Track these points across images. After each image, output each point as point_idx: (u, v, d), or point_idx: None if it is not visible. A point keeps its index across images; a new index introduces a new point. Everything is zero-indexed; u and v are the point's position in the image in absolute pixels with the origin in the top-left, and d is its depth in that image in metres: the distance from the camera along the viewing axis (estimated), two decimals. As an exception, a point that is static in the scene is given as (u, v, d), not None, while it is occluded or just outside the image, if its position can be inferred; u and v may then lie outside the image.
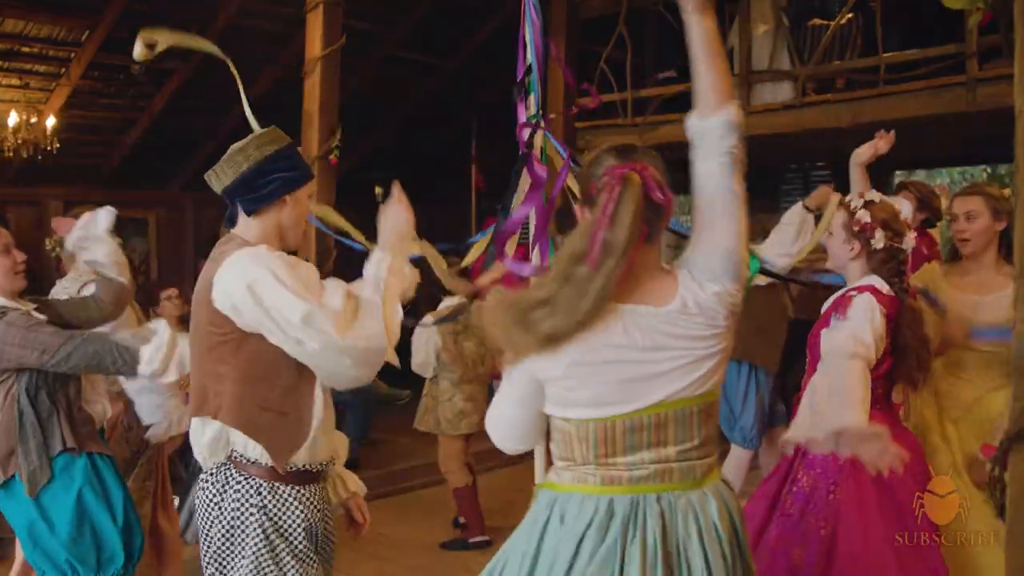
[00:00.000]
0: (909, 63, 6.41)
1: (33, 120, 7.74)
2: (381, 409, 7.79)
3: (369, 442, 7.78)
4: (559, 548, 2.11)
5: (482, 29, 9.57)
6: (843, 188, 9.33)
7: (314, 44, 6.35)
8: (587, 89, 5.13)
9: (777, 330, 5.69)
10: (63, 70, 7.85)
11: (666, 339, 2.06)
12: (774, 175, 9.45)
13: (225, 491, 2.58)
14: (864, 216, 3.26)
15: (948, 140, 7.50)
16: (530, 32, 3.21)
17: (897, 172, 10.75)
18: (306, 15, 6.42)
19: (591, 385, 2.09)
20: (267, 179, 2.61)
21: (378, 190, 10.57)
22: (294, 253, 2.74)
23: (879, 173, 9.21)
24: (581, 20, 8.14)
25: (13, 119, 7.48)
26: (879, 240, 3.22)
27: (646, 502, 2.09)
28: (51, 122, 7.68)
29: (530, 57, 3.19)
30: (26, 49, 7.54)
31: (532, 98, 3.42)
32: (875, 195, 3.37)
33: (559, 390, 2.13)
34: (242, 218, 2.67)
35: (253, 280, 2.43)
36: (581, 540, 2.08)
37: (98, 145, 8.84)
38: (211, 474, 2.62)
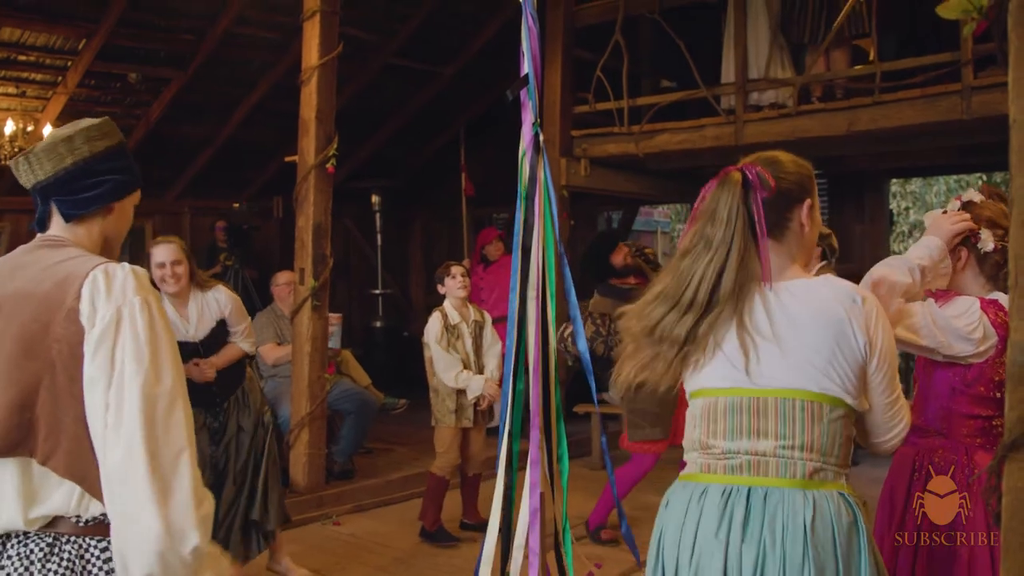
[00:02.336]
0: (905, 71, 6.42)
1: (30, 128, 7.75)
2: (378, 418, 7.78)
3: (366, 451, 7.77)
4: (664, 536, 2.22)
5: (478, 37, 9.60)
6: (840, 195, 9.38)
7: (311, 53, 6.35)
8: (583, 98, 5.11)
9: None
10: (60, 78, 7.86)
11: (786, 328, 2.12)
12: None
13: (60, 566, 1.99)
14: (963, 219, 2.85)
15: (944, 148, 7.51)
16: (527, 40, 3.20)
17: (893, 180, 10.78)
18: (303, 24, 6.42)
19: (707, 359, 2.18)
20: (95, 179, 2.18)
21: (375, 199, 10.63)
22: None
23: (875, 181, 9.27)
24: (577, 28, 8.17)
25: (9, 127, 7.49)
26: (987, 241, 2.80)
27: (738, 493, 2.10)
28: (48, 130, 7.69)
29: (527, 66, 3.18)
30: (23, 57, 7.56)
31: (530, 106, 3.40)
32: (975, 195, 2.92)
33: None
34: (57, 222, 2.21)
35: (125, 308, 2.00)
36: (683, 524, 2.16)
37: (95, 154, 8.83)
38: (25, 543, 2.02)
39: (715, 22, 7.83)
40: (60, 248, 2.15)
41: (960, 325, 2.65)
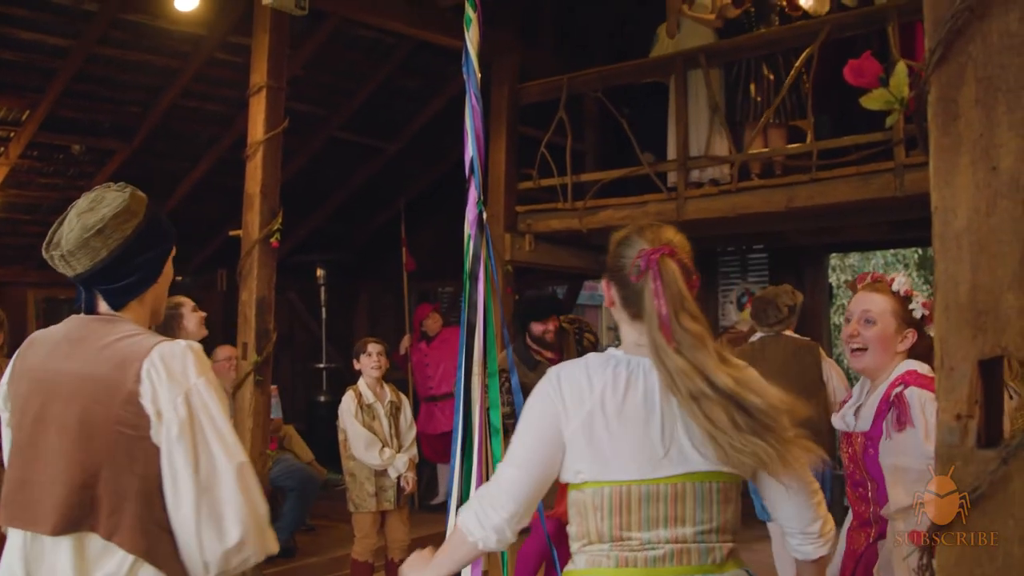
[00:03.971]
0: (840, 150, 6.58)
1: (-31, 200, 7.66)
2: (321, 494, 7.67)
3: (308, 528, 7.65)
4: None
5: (423, 113, 9.71)
6: (780, 269, 9.52)
7: (257, 127, 6.36)
8: (527, 174, 5.16)
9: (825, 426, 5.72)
10: (2, 149, 7.79)
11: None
12: (712, 257, 9.60)
13: None
14: (918, 304, 2.91)
15: (880, 223, 7.69)
16: (470, 119, 3.24)
17: (832, 254, 10.99)
18: (249, 99, 6.44)
19: (612, 443, 2.05)
20: (133, 264, 2.19)
21: (320, 273, 10.60)
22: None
23: (814, 255, 9.44)
24: (522, 105, 8.29)
25: (-51, 198, 7.41)
26: (917, 309, 2.90)
27: None
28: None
29: (470, 145, 3.22)
30: (-35, 128, 7.50)
31: (474, 184, 3.43)
32: (903, 280, 2.97)
33: (580, 446, 2.08)
34: (104, 304, 2.24)
35: (195, 397, 2.07)
36: None
37: (35, 224, 8.74)
38: None
39: (659, 97, 7.99)
40: (113, 324, 2.19)
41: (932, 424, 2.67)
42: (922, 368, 2.81)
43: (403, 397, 6.15)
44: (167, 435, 2.02)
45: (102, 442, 2.04)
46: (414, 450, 5.97)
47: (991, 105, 1.57)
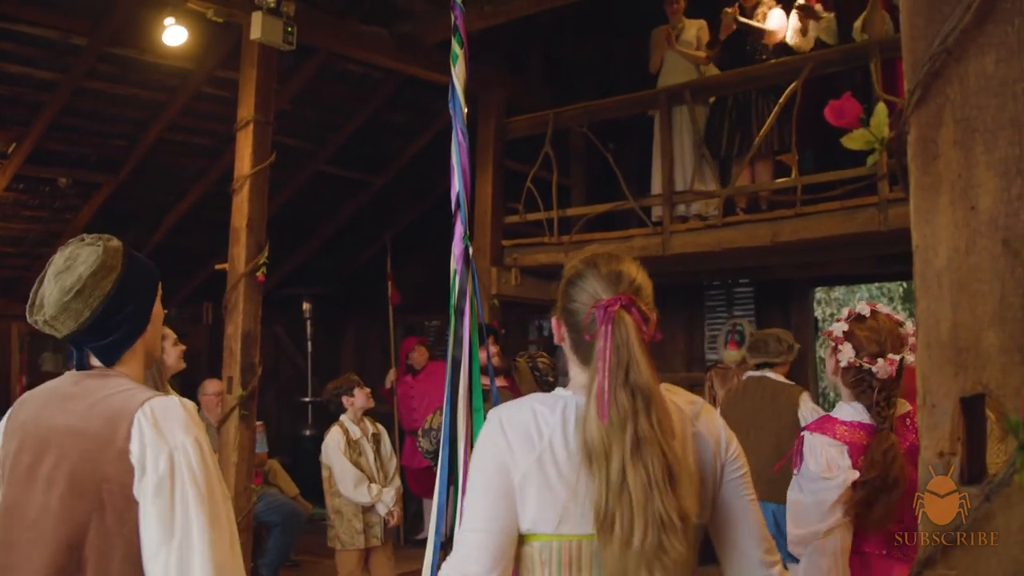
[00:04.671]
0: (824, 185, 6.63)
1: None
2: (306, 529, 7.63)
3: (292, 564, 7.59)
4: None
5: (410, 147, 9.76)
6: (766, 303, 9.56)
7: (244, 161, 6.37)
8: (513, 208, 5.17)
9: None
10: (-13, 182, 7.79)
11: None
12: (698, 291, 9.63)
13: None
14: (838, 328, 2.96)
15: (865, 257, 7.73)
16: (457, 154, 3.26)
17: (817, 288, 11.03)
18: (236, 133, 6.46)
19: (563, 493, 1.85)
20: (119, 317, 2.13)
21: (306, 306, 10.59)
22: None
23: (799, 289, 9.48)
24: (508, 140, 8.34)
25: (-67, 231, 7.39)
26: (844, 356, 2.90)
27: None
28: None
29: (456, 180, 3.23)
30: (-51, 161, 7.50)
31: (460, 219, 3.43)
32: (883, 308, 2.99)
33: (528, 494, 1.87)
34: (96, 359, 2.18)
35: (179, 454, 1.98)
36: None
37: (21, 257, 8.72)
38: None
39: (644, 132, 8.04)
40: (106, 378, 2.12)
41: (821, 487, 2.82)
42: (842, 413, 2.94)
43: (380, 427, 6.16)
44: (143, 491, 1.95)
45: (91, 500, 1.97)
46: (398, 481, 5.96)
47: (969, 146, 1.59)
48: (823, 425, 2.93)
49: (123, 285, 2.13)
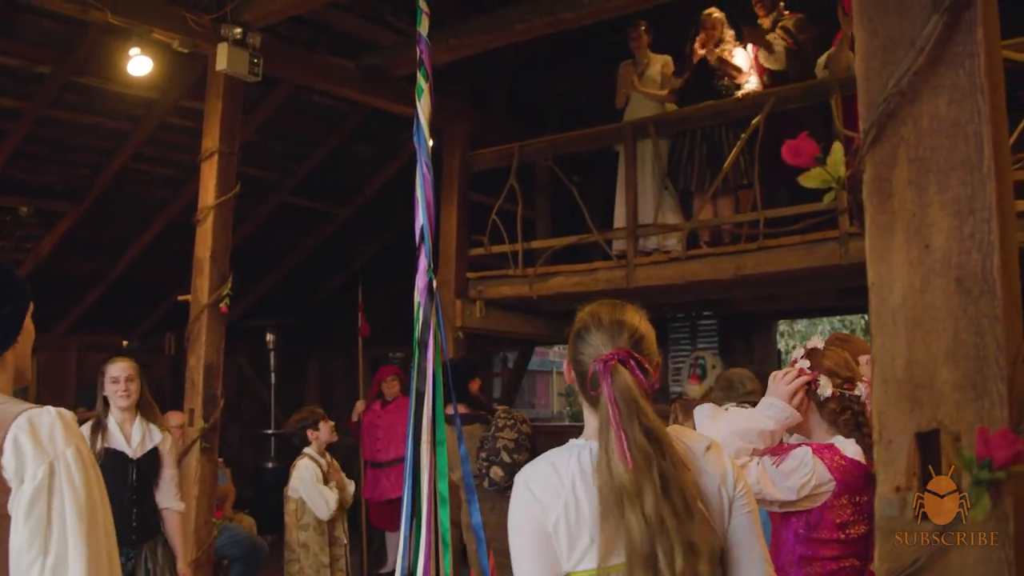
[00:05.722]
0: (786, 219, 6.70)
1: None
2: (268, 563, 7.53)
3: (253, 597, 7.49)
4: None
5: (375, 179, 9.76)
6: (729, 335, 9.62)
7: (208, 192, 6.35)
8: (478, 240, 5.20)
9: None
10: (-53, 212, 7.71)
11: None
12: (662, 324, 9.68)
13: None
14: (804, 365, 2.94)
15: (826, 290, 7.81)
16: (421, 188, 3.27)
17: (780, 321, 11.12)
18: (201, 163, 6.44)
19: (592, 528, 1.97)
20: None
21: (270, 337, 10.51)
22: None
23: (762, 322, 9.55)
24: (473, 172, 8.37)
25: None
26: (825, 388, 2.87)
27: None
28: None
29: (421, 213, 3.24)
30: (-92, 190, 7.41)
31: (424, 252, 3.43)
32: (818, 342, 3.03)
33: (560, 536, 2.00)
34: None
35: (59, 463, 1.88)
36: None
37: (-21, 287, 8.62)
38: None
39: (609, 169, 8.09)
40: None
41: (793, 482, 2.73)
42: (846, 448, 2.85)
43: (331, 459, 6.23)
44: (17, 505, 1.83)
45: None
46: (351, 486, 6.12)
47: (923, 185, 1.62)
48: (824, 451, 2.82)
49: None
